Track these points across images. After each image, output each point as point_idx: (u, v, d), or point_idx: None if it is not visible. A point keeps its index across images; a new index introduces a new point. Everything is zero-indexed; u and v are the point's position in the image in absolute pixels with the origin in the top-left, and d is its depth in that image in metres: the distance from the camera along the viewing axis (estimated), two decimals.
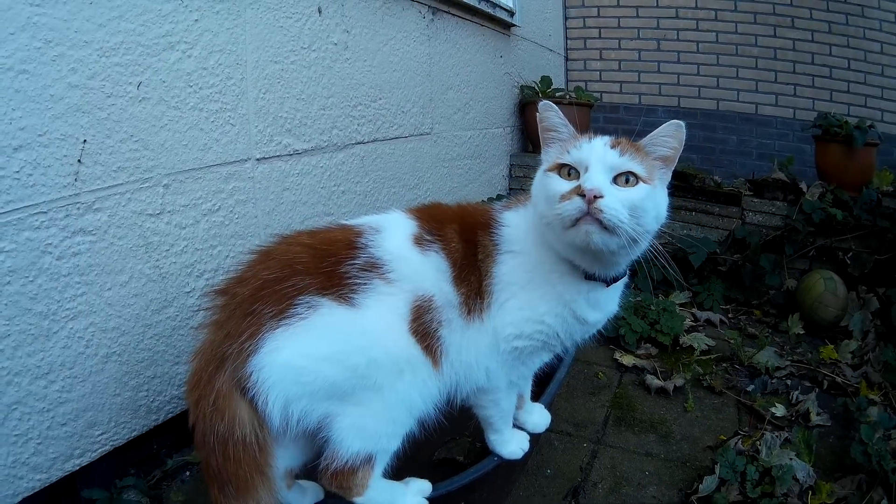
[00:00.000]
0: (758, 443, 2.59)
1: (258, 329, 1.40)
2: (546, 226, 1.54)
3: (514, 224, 1.68)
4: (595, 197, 1.39)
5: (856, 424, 2.63)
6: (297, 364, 1.41)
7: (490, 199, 4.57)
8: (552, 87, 5.30)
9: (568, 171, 1.51)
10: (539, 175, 1.59)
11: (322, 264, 1.49)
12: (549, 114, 1.62)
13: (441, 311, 1.56)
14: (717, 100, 6.30)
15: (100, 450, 2.02)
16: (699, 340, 3.56)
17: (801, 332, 3.79)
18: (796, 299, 3.95)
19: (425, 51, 3.80)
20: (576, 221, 1.43)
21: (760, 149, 6.09)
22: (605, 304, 1.71)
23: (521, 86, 5.34)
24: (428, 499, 1.71)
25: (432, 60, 3.88)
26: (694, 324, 3.87)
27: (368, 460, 1.52)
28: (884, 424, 2.54)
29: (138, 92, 1.99)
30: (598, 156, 1.47)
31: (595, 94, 5.59)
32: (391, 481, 1.66)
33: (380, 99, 3.35)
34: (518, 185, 5.29)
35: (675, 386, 3.09)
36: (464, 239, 1.64)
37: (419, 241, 1.59)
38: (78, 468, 1.97)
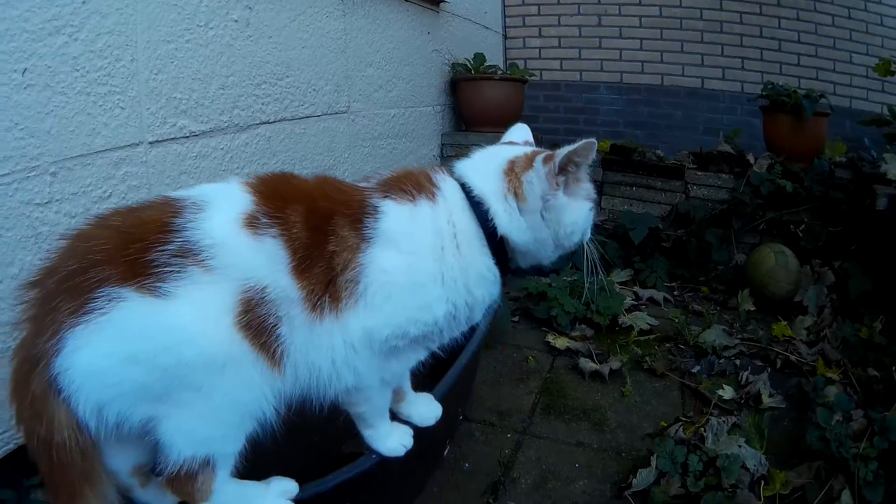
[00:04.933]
0: (702, 429, 2.41)
1: (59, 327, 1.26)
2: (569, 239, 1.66)
3: (402, 220, 1.54)
4: None
5: (812, 406, 2.43)
6: (98, 365, 1.27)
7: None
8: (485, 64, 5.16)
9: None
10: (586, 212, 1.67)
11: (127, 251, 1.31)
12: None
13: (277, 305, 1.40)
14: (661, 75, 6.22)
15: (4, 447, 1.95)
16: (640, 320, 3.41)
17: (752, 309, 3.66)
18: (746, 274, 3.83)
19: (339, 26, 3.64)
20: None
21: (707, 123, 5.99)
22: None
23: (453, 63, 5.20)
24: (297, 500, 1.61)
25: (349, 37, 3.73)
26: (636, 303, 3.74)
27: (206, 464, 1.39)
28: (842, 406, 2.34)
29: (23, 79, 1.92)
30: None
31: (530, 71, 5.46)
32: (246, 482, 1.56)
33: (287, 77, 3.22)
34: None
35: (611, 369, 2.92)
36: (311, 225, 1.46)
37: (252, 224, 1.40)
38: None
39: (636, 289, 3.88)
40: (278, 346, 1.40)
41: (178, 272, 1.31)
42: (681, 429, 2.44)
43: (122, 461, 1.48)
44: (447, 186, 1.62)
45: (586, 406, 2.71)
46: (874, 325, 3.10)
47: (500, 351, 3.15)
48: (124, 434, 1.34)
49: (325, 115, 3.58)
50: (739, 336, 3.29)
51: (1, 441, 1.92)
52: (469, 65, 5.12)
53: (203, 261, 1.33)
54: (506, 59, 6.50)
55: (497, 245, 1.60)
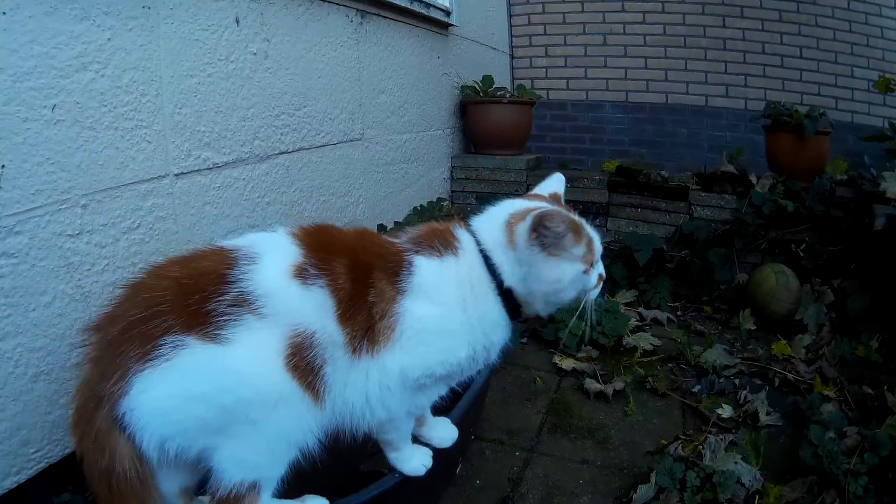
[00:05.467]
0: (701, 447, 2.48)
1: (126, 371, 1.38)
2: (557, 296, 1.75)
3: (432, 275, 1.67)
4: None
5: (808, 423, 2.48)
6: (163, 405, 1.39)
7: (434, 202, 4.56)
8: (494, 86, 5.20)
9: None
10: (573, 275, 1.70)
11: (188, 302, 1.43)
12: (567, 237, 1.68)
13: (324, 348, 1.53)
14: (665, 93, 6.24)
15: (35, 467, 2.01)
16: (644, 340, 3.45)
17: (753, 328, 3.69)
18: (747, 294, 3.86)
19: (353, 55, 3.70)
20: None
21: (711, 141, 6.04)
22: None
23: (462, 86, 5.23)
24: None
25: (362, 65, 3.79)
26: (640, 323, 3.76)
27: (253, 487, 1.51)
28: (835, 423, 2.41)
29: (53, 114, 1.97)
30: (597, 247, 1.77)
31: (537, 92, 5.48)
32: (284, 501, 1.65)
33: (304, 107, 3.28)
34: (460, 188, 5.21)
35: (615, 389, 2.98)
36: (353, 277, 1.59)
37: (301, 274, 1.53)
38: (16, 485, 1.96)
39: (640, 309, 3.91)
40: (322, 384, 1.53)
41: (235, 320, 1.43)
42: (680, 446, 2.50)
43: (172, 484, 1.58)
44: (465, 240, 1.74)
45: (591, 425, 2.77)
46: (871, 343, 3.14)
47: (508, 372, 3.21)
48: (181, 463, 1.47)
49: (341, 142, 3.64)
50: (740, 355, 3.32)
51: (33, 460, 2.00)
52: (478, 87, 5.16)
53: (256, 309, 1.45)
54: (513, 79, 6.55)
55: (506, 294, 1.70)
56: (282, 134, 3.12)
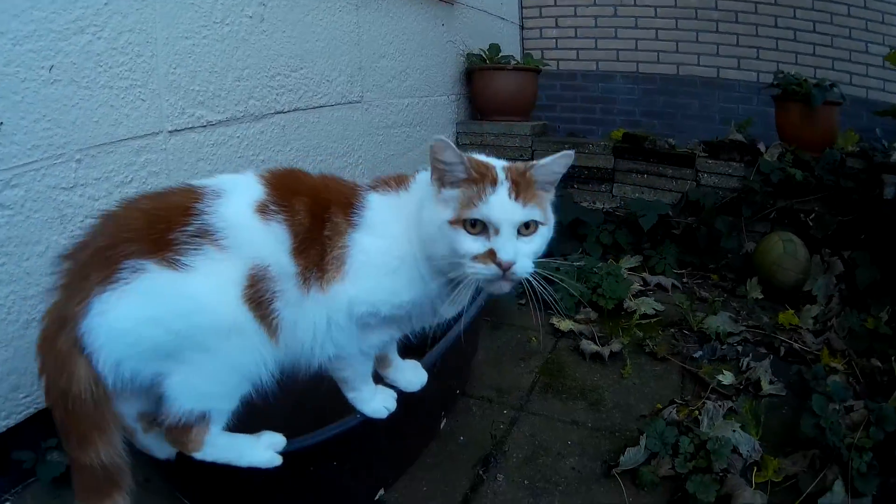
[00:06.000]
0: (697, 413, 2.41)
1: (88, 293, 1.42)
2: (447, 266, 1.57)
3: (381, 208, 1.69)
4: (510, 265, 1.48)
5: (812, 395, 2.37)
6: (120, 326, 1.42)
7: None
8: (500, 54, 5.18)
9: (473, 222, 1.51)
10: (439, 223, 1.53)
11: (152, 231, 1.48)
12: (445, 152, 1.51)
13: (276, 281, 1.57)
14: (676, 64, 6.16)
15: (24, 412, 2.12)
16: (646, 305, 3.41)
17: (760, 297, 3.63)
18: (754, 262, 3.80)
19: (353, 20, 3.74)
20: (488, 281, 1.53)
21: (723, 114, 5.90)
22: (462, 301, 1.69)
23: (468, 54, 5.22)
24: (287, 453, 1.72)
25: (361, 29, 3.83)
26: (643, 288, 3.72)
27: (203, 417, 1.56)
28: (838, 395, 2.32)
29: (50, 75, 2.08)
30: (507, 216, 1.50)
31: (548, 63, 5.49)
32: (237, 435, 1.68)
33: (301, 68, 3.35)
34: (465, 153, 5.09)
35: (611, 351, 2.93)
36: (312, 213, 1.63)
37: (263, 210, 1.58)
38: (5, 429, 2.07)
39: (645, 275, 3.86)
40: (276, 318, 1.56)
41: (196, 249, 1.47)
42: (675, 411, 2.44)
43: (129, 408, 1.62)
44: (421, 178, 1.70)
45: (584, 386, 2.72)
46: (880, 316, 3.07)
47: (504, 332, 3.18)
48: (135, 387, 1.49)
49: (339, 104, 3.68)
50: (745, 323, 3.25)
51: (22, 405, 2.09)
52: (484, 55, 5.15)
53: (217, 240, 1.49)
54: (523, 50, 6.48)
55: None
56: (277, 94, 3.18)
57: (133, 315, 1.42)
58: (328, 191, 1.69)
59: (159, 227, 1.48)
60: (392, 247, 1.64)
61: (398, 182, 1.72)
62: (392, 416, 1.88)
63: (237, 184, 1.63)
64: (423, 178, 1.65)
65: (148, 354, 1.46)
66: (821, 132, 4.30)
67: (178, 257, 1.45)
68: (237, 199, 1.58)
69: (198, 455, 1.59)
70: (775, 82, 4.45)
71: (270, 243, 1.56)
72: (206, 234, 1.49)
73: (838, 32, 5.70)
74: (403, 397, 1.95)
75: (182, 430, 1.55)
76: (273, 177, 1.66)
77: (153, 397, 1.59)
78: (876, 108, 4.23)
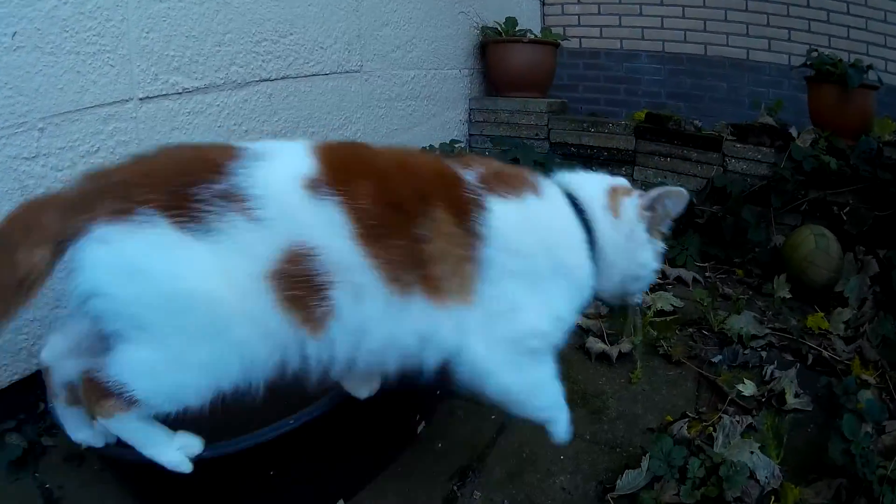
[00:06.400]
0: (712, 429, 2.17)
1: (97, 216, 1.32)
2: (634, 280, 1.78)
3: (514, 223, 1.53)
4: None
5: (841, 412, 2.14)
6: (110, 262, 1.32)
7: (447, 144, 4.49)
8: (518, 28, 5.05)
9: None
10: (655, 262, 1.75)
11: (173, 183, 1.37)
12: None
13: (332, 268, 1.39)
14: (704, 44, 5.97)
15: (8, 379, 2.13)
16: (664, 300, 3.17)
17: (788, 297, 3.36)
18: (783, 257, 3.54)
19: None
20: None
21: (753, 97, 5.58)
22: None
23: (482, 27, 5.08)
24: (207, 458, 1.57)
25: None
26: (662, 281, 3.48)
27: (131, 402, 1.40)
28: (873, 415, 2.10)
29: (13, 41, 2.05)
30: None
31: (570, 41, 5.52)
32: (154, 426, 1.52)
33: (291, 34, 3.25)
34: (478, 131, 5.05)
35: (620, 351, 2.70)
36: (386, 202, 1.44)
37: (313, 187, 1.40)
38: None
39: (664, 266, 3.60)
40: (322, 308, 1.39)
41: (218, 215, 1.33)
42: (685, 426, 2.21)
43: (71, 366, 1.52)
44: (549, 188, 1.66)
45: (586, 391, 2.51)
46: None
47: None
48: (92, 333, 1.44)
49: (335, 73, 3.59)
50: (771, 325, 3.01)
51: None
52: (500, 28, 5.01)
53: (249, 209, 1.35)
54: (543, 26, 6.25)
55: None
56: (264, 61, 3.10)
57: (125, 262, 1.32)
58: (417, 177, 1.52)
59: (182, 178, 1.36)
60: (538, 265, 1.56)
61: (514, 180, 1.59)
62: (345, 421, 1.78)
63: (284, 150, 1.49)
64: (554, 191, 1.65)
65: (120, 307, 1.34)
66: (856, 118, 4.10)
67: (192, 223, 1.32)
68: (282, 166, 1.43)
69: (101, 420, 1.44)
70: (808, 62, 4.22)
71: (323, 224, 1.38)
72: (234, 199, 1.35)
73: (873, 15, 5.48)
74: (358, 401, 1.78)
75: (101, 393, 1.39)
76: (329, 150, 1.50)
77: (96, 357, 1.44)
78: None
